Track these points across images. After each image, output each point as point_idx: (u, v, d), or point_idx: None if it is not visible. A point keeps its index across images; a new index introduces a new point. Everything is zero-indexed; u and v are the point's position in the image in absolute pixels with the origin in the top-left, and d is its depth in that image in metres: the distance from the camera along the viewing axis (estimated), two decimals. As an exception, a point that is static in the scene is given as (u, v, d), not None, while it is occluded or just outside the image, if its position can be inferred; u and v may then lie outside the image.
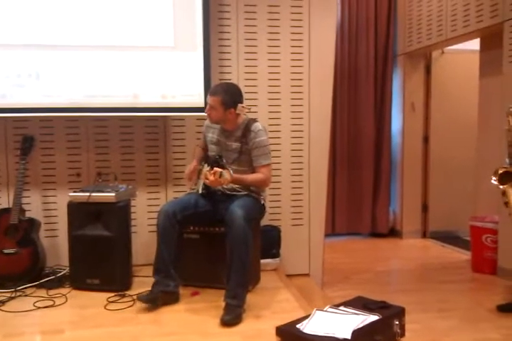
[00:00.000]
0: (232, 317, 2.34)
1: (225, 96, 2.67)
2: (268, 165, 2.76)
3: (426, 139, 5.19)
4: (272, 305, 2.63)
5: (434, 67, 5.19)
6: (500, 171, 2.95)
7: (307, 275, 3.51)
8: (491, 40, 4.11)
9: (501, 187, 2.92)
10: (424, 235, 5.18)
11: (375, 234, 5.25)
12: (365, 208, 5.21)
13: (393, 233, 5.27)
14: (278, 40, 3.47)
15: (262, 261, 3.10)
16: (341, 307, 2.15)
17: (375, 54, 5.20)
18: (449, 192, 5.03)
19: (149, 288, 2.60)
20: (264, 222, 3.26)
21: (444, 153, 5.10)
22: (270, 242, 3.25)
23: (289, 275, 3.35)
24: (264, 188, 2.83)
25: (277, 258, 3.29)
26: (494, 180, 2.95)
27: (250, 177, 2.70)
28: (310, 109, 3.52)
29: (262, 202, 2.83)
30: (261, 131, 2.77)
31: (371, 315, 2.06)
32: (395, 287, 3.66)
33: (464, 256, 4.29)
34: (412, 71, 5.19)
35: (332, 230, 5.16)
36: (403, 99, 5.19)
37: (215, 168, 2.48)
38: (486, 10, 3.94)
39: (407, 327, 2.71)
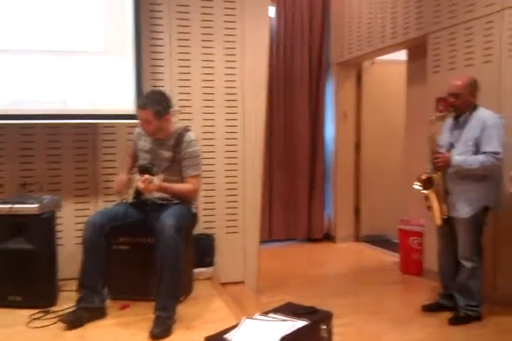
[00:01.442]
0: (161, 330, 2.29)
1: (156, 106, 2.63)
2: (197, 175, 2.74)
3: (358, 146, 5.38)
4: (204, 314, 2.61)
5: (365, 77, 5.39)
6: (423, 177, 3.10)
7: (242, 282, 3.52)
8: (417, 51, 4.31)
9: (424, 192, 3.07)
10: (356, 239, 5.35)
11: (311, 239, 5.36)
12: (301, 214, 5.31)
13: (328, 237, 5.40)
14: (212, 47, 3.48)
15: (196, 270, 3.08)
16: (271, 314, 2.17)
17: (310, 63, 5.34)
18: (380, 196, 5.24)
19: (75, 303, 2.51)
20: (198, 230, 3.24)
21: (374, 159, 5.31)
22: (204, 251, 3.24)
23: (223, 284, 3.35)
24: (194, 198, 2.81)
25: (211, 267, 3.28)
26: (417, 186, 3.09)
27: (178, 186, 2.68)
28: (244, 116, 3.55)
29: (194, 210, 2.81)
30: (193, 142, 2.76)
31: (299, 321, 2.08)
32: (329, 291, 3.74)
33: (393, 258, 4.47)
34: (344, 80, 5.37)
35: (269, 236, 5.21)
36: (336, 107, 5.35)
37: (146, 176, 2.45)
38: (412, 22, 4.15)
39: (338, 330, 2.77)
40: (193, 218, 2.81)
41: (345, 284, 3.95)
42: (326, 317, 2.22)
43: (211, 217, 3.48)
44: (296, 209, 5.31)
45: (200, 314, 2.61)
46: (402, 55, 4.76)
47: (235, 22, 3.51)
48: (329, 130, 5.44)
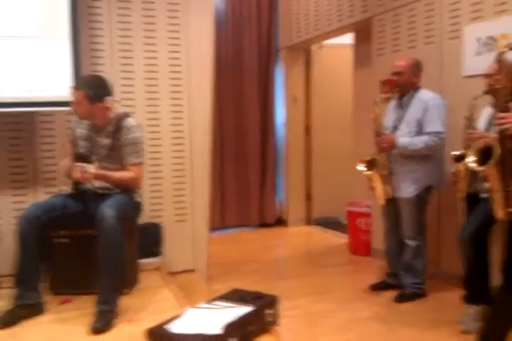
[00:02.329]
0: (102, 324, 2.22)
1: (89, 90, 2.52)
2: (139, 163, 2.65)
3: (308, 130, 5.40)
4: (149, 306, 2.56)
5: (313, 61, 5.38)
6: (366, 158, 3.14)
7: (192, 271, 3.48)
8: (363, 35, 4.31)
9: (367, 173, 3.10)
10: (308, 222, 5.40)
11: (264, 225, 5.37)
12: (253, 199, 5.30)
13: (280, 222, 5.42)
14: (154, 30, 3.36)
15: (142, 260, 3.01)
16: (216, 302, 2.15)
17: (259, 47, 5.27)
18: (331, 179, 5.29)
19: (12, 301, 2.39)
20: (144, 219, 3.17)
21: (325, 143, 5.34)
22: (150, 240, 3.17)
23: (173, 273, 3.30)
24: (136, 186, 2.72)
25: (159, 257, 3.22)
26: (361, 167, 3.13)
27: (117, 174, 2.58)
28: (190, 102, 3.47)
29: (137, 199, 2.73)
30: (134, 127, 2.66)
31: (244, 307, 2.07)
32: (280, 274, 3.77)
33: (343, 240, 4.53)
34: (293, 64, 5.34)
35: (222, 223, 5.19)
36: (286, 92, 5.33)
37: (80, 163, 2.36)
38: (357, 5, 4.15)
39: (287, 313, 2.81)
40: (136, 207, 2.73)
41: (296, 267, 3.98)
42: (272, 301, 2.22)
43: (158, 205, 3.40)
44: (248, 195, 5.30)
45: (145, 306, 2.55)
46: (350, 38, 4.77)
47: (178, 4, 3.40)
48: (279, 115, 5.43)
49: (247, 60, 5.22)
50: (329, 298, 3.17)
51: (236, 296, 2.21)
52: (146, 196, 3.28)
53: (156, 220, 3.35)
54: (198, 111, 3.45)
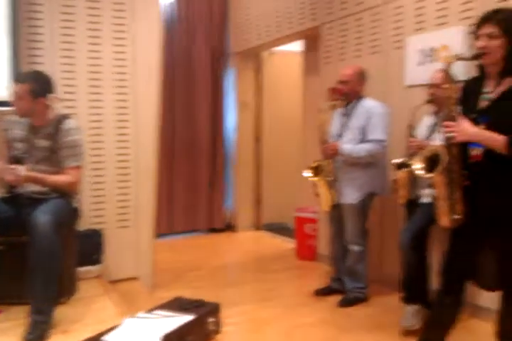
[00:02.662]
0: (36, 335, 2.12)
1: (34, 84, 2.42)
2: (77, 167, 2.56)
3: (258, 136, 5.40)
4: (87, 316, 2.46)
5: (264, 67, 5.41)
6: (312, 165, 3.17)
7: (136, 278, 3.38)
8: (312, 42, 4.37)
9: (313, 179, 3.13)
10: (257, 228, 5.40)
11: (213, 230, 5.32)
12: (202, 205, 5.24)
13: (229, 227, 5.39)
14: (99, 30, 3.28)
15: (81, 268, 2.89)
16: (156, 311, 2.09)
17: (210, 53, 5.23)
18: (280, 185, 5.32)
19: None
20: (85, 225, 3.06)
21: (274, 149, 5.37)
22: (91, 247, 3.06)
23: (115, 281, 3.20)
24: (73, 191, 2.62)
25: (99, 264, 3.10)
26: (307, 173, 3.15)
27: (52, 177, 2.48)
28: (136, 104, 3.39)
29: (75, 205, 2.62)
30: (73, 130, 2.56)
31: (185, 316, 2.02)
32: (227, 281, 3.72)
33: (291, 245, 4.55)
34: (243, 70, 5.34)
35: (170, 229, 5.09)
36: (236, 97, 5.32)
37: (10, 166, 2.25)
38: (306, 13, 4.20)
39: (232, 320, 2.78)
40: (74, 213, 2.63)
41: (244, 273, 3.95)
42: (214, 309, 2.18)
43: (100, 211, 3.29)
44: (197, 200, 5.23)
45: (83, 316, 2.45)
46: (300, 45, 4.82)
47: (123, 3, 3.32)
48: (230, 120, 5.41)
49: (198, 64, 5.18)
50: (275, 304, 3.16)
51: (177, 305, 2.16)
52: (87, 201, 3.17)
53: (97, 226, 3.24)
54: (145, 114, 3.37)
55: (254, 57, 5.37)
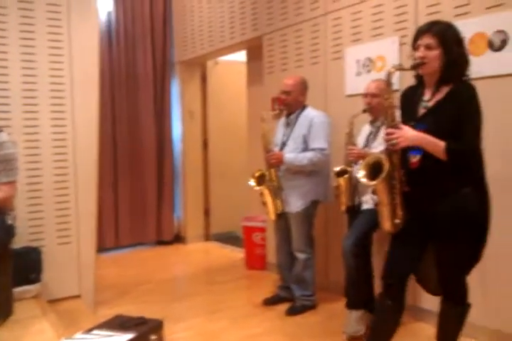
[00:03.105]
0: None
1: None
2: (10, 182, 2.44)
3: (205, 145, 5.37)
4: (23, 339, 2.33)
5: (209, 76, 5.40)
6: (256, 174, 3.17)
7: (78, 296, 3.25)
8: (255, 52, 4.40)
9: (257, 188, 3.13)
10: (207, 238, 5.35)
11: (161, 242, 5.22)
12: (149, 217, 5.13)
13: (178, 239, 5.31)
14: (33, 39, 3.18)
15: (18, 288, 2.75)
16: (94, 332, 2.00)
17: (154, 61, 5.17)
18: (228, 194, 5.30)
19: None
20: (22, 243, 2.91)
21: (222, 158, 5.35)
22: (28, 266, 2.91)
23: (55, 300, 3.07)
24: (7, 207, 2.49)
25: (38, 283, 2.96)
26: (252, 182, 3.15)
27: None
28: (74, 115, 3.29)
29: (10, 222, 2.49)
30: (6, 143, 2.45)
31: (125, 335, 1.95)
32: (175, 294, 3.64)
33: (241, 255, 4.53)
34: (189, 79, 5.31)
35: (116, 243, 4.95)
36: (182, 107, 5.27)
37: None
38: (248, 23, 4.23)
39: (178, 336, 2.73)
40: (8, 231, 2.49)
41: (193, 286, 3.88)
42: (156, 326, 2.12)
43: (38, 227, 3.15)
44: (144, 212, 5.12)
45: (19, 339, 2.32)
46: (244, 55, 4.85)
47: (59, 12, 3.22)
48: (176, 129, 5.35)
49: (142, 73, 5.10)
50: (223, 316, 3.12)
51: (117, 323, 2.08)
52: (23, 217, 3.03)
53: (35, 243, 3.09)
54: (83, 125, 3.26)
55: (199, 66, 5.35)
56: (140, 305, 3.33)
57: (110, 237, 4.87)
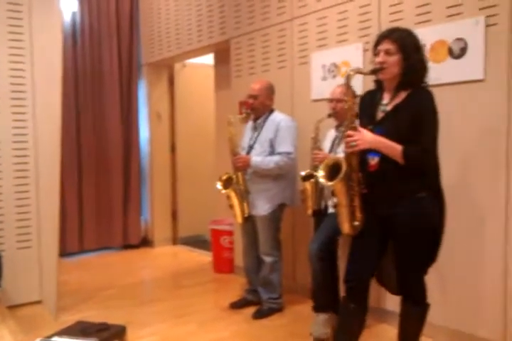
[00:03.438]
0: None
1: None
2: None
3: (173, 148, 5.33)
4: (-22, 348, 2.27)
5: (177, 79, 5.36)
6: (223, 177, 3.17)
7: (39, 302, 3.17)
8: (223, 56, 4.41)
9: (224, 191, 3.13)
10: (175, 242, 5.31)
11: (128, 246, 5.14)
12: (115, 220, 5.05)
13: (145, 243, 5.25)
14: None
15: (-25, 295, 2.67)
16: (54, 338, 1.96)
17: (120, 62, 5.10)
18: (196, 197, 5.27)
19: None
20: (-21, 248, 2.82)
21: (190, 161, 5.33)
22: (-14, 272, 2.82)
23: (15, 306, 2.98)
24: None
25: (-4, 289, 2.88)
26: (218, 186, 3.15)
27: None
28: (35, 116, 3.22)
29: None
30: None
31: (88, 341, 1.92)
32: (141, 299, 3.59)
33: (209, 258, 4.51)
34: (156, 81, 5.27)
35: (80, 247, 4.85)
36: (149, 109, 5.22)
37: None
38: (216, 27, 4.23)
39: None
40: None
41: (158, 290, 3.84)
42: (119, 332, 2.09)
43: (-3, 231, 3.06)
44: (110, 215, 5.04)
45: (-27, 348, 2.25)
46: (212, 59, 4.84)
47: (20, 12, 3.15)
48: (144, 132, 5.29)
49: (108, 74, 5.03)
50: (190, 320, 3.10)
51: (79, 329, 2.04)
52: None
53: (-7, 249, 3.00)
54: (45, 127, 3.19)
55: (166, 68, 5.32)
56: (104, 310, 3.27)
57: (74, 241, 4.77)
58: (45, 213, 3.17)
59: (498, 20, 2.42)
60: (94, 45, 4.97)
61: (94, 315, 3.13)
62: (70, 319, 3.08)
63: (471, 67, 2.52)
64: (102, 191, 5.00)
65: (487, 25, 2.46)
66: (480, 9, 2.49)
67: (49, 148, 3.15)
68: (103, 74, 5.02)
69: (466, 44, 2.55)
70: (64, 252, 4.51)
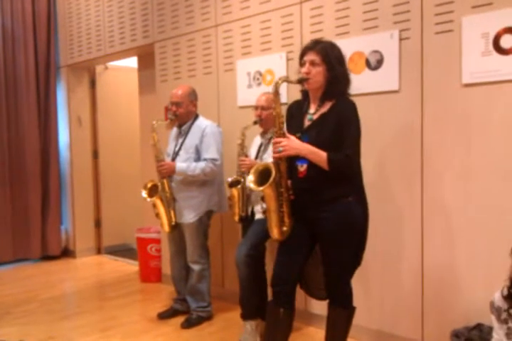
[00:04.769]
0: None
1: None
2: None
3: (95, 154, 5.14)
4: None
5: (98, 82, 5.17)
6: (148, 185, 3.10)
7: None
8: (147, 60, 4.30)
9: (149, 199, 3.07)
10: (98, 251, 5.11)
11: (47, 257, 4.88)
12: (33, 230, 4.77)
13: (66, 253, 5.01)
14: None
15: None
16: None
17: (36, 64, 4.84)
18: (121, 205, 5.11)
19: None
20: None
21: (114, 168, 5.15)
22: None
23: None
24: None
25: None
26: (143, 194, 3.08)
27: None
28: None
29: None
30: None
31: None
32: (63, 313, 3.42)
33: (135, 267, 4.39)
34: (76, 84, 5.05)
35: (-6, 260, 4.53)
36: (69, 113, 5.00)
37: None
38: (139, 30, 4.13)
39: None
40: None
41: (81, 303, 3.67)
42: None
43: None
44: (27, 225, 4.75)
45: None
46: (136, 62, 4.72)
47: None
48: (63, 137, 5.05)
49: (23, 75, 4.76)
50: (115, 334, 3.00)
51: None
52: None
53: None
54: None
55: (87, 71, 5.11)
56: (22, 326, 3.10)
57: (-13, 254, 4.45)
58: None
59: (411, 34, 2.58)
60: (7, 46, 4.68)
61: (11, 331, 2.97)
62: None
63: (387, 78, 2.66)
64: (18, 199, 4.71)
65: (401, 39, 2.61)
66: (394, 23, 2.63)
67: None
68: (17, 76, 4.74)
69: (382, 56, 2.69)
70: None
